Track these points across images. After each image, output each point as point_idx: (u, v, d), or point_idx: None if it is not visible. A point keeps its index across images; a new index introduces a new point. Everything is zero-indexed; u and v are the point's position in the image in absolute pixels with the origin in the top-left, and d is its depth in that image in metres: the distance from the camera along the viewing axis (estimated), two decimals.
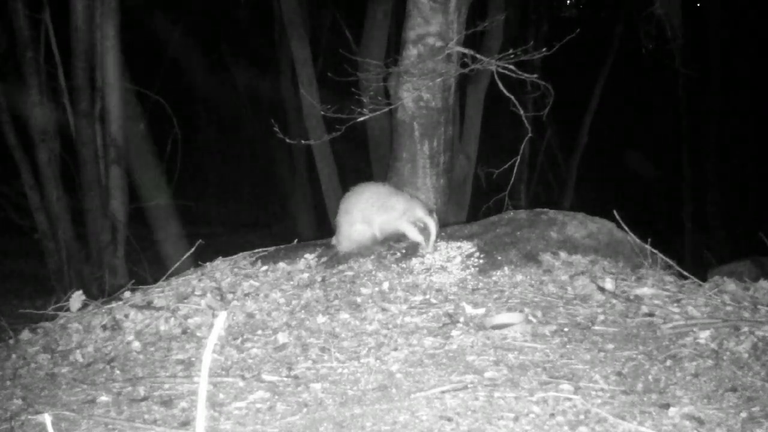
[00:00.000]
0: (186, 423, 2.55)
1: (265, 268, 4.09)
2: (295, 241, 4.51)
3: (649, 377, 2.66)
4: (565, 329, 3.11)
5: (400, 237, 4.07)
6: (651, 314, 3.24)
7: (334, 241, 4.19)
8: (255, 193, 15.04)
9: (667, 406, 2.40)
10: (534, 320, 3.20)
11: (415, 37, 4.35)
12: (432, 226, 3.92)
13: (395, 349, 3.02)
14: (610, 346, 2.94)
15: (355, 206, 4.05)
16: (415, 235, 3.96)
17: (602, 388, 2.56)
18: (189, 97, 14.18)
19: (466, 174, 7.01)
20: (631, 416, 2.34)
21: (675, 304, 3.32)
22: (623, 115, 14.37)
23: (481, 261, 3.83)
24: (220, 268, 4.17)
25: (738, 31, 13.46)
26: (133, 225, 8.11)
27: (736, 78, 13.69)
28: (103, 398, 2.82)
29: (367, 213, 4.01)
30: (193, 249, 4.40)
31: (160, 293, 3.90)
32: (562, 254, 3.85)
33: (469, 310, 3.33)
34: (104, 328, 3.63)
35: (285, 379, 2.84)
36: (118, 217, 7.36)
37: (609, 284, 3.52)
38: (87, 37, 7.18)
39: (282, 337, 3.25)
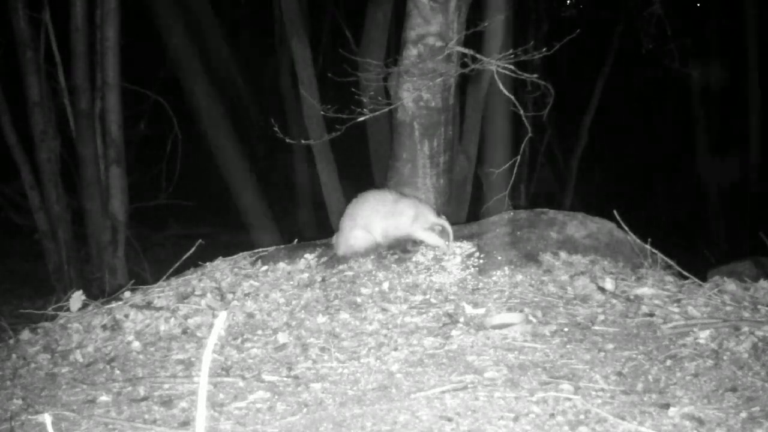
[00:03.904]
0: (186, 423, 2.55)
1: (265, 268, 4.09)
2: (295, 241, 4.50)
3: (649, 377, 2.66)
4: (565, 329, 3.12)
5: (402, 242, 4.02)
6: (651, 314, 3.24)
7: (334, 240, 4.19)
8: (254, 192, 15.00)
9: (667, 406, 2.40)
10: (534, 320, 3.20)
11: (415, 37, 4.35)
12: (449, 228, 3.90)
13: (395, 349, 3.02)
14: (610, 346, 2.94)
15: (359, 212, 4.04)
16: (434, 240, 3.92)
17: (602, 388, 2.56)
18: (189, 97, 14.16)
19: (466, 174, 7.00)
20: (631, 416, 2.34)
21: (675, 304, 3.32)
22: (623, 115, 14.36)
23: (481, 261, 3.83)
24: (220, 268, 4.17)
25: (738, 31, 13.44)
26: (133, 225, 8.11)
27: (736, 77, 13.67)
28: (103, 398, 2.82)
29: (370, 219, 3.99)
30: (193, 249, 4.39)
31: (160, 293, 3.90)
32: (562, 254, 3.85)
33: (469, 310, 3.34)
34: (104, 328, 3.63)
35: (285, 379, 2.84)
36: (118, 217, 7.36)
37: (609, 284, 3.52)
38: (87, 37, 7.18)
39: (282, 337, 3.25)
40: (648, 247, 3.87)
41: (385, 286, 3.68)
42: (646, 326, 3.14)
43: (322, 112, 5.22)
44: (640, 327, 3.13)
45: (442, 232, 3.92)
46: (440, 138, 4.50)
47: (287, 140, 5.00)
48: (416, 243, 3.99)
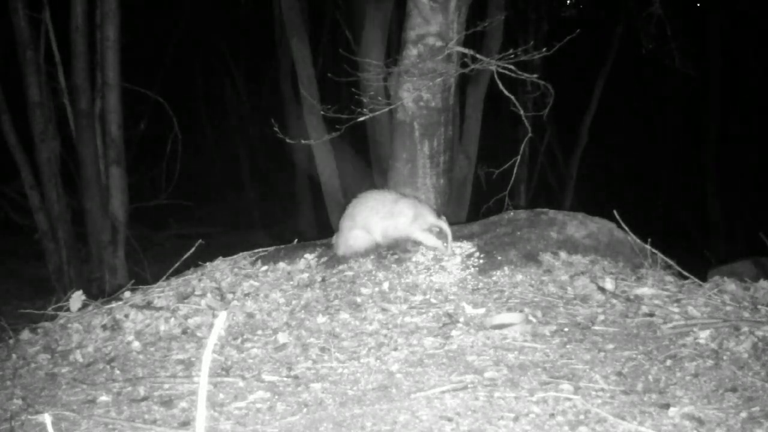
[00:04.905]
0: (186, 423, 2.55)
1: (265, 268, 4.09)
2: (295, 241, 4.50)
3: (649, 377, 2.66)
4: (565, 329, 3.11)
5: (401, 242, 4.02)
6: (651, 314, 3.24)
7: (334, 240, 4.20)
8: (255, 193, 15.04)
9: (667, 406, 2.40)
10: (534, 320, 3.20)
11: (415, 37, 4.35)
12: (447, 229, 3.89)
13: (395, 349, 3.02)
14: (610, 346, 2.94)
15: (359, 213, 4.04)
16: (432, 241, 3.91)
17: (602, 388, 2.56)
18: (189, 97, 14.20)
19: (466, 174, 7.01)
20: (631, 416, 2.34)
21: (675, 304, 3.32)
22: (623, 115, 14.37)
23: (481, 261, 3.83)
24: (220, 268, 4.17)
25: (738, 31, 13.45)
26: (133, 225, 8.11)
27: (736, 78, 13.69)
28: (103, 398, 2.82)
29: (369, 220, 3.99)
30: (193, 249, 4.40)
31: (160, 293, 3.90)
32: (562, 254, 3.85)
33: (469, 310, 3.34)
34: (104, 328, 3.63)
35: (285, 379, 2.84)
36: (118, 217, 7.36)
37: (609, 284, 3.52)
38: (87, 37, 7.19)
39: (282, 337, 3.25)
40: (648, 247, 3.87)
41: (385, 286, 3.68)
42: (646, 326, 3.13)
43: (322, 112, 5.22)
44: (640, 327, 3.13)
45: (440, 234, 3.91)
46: (440, 138, 4.50)
47: (287, 140, 5.00)
48: (416, 243, 3.99)
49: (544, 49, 4.26)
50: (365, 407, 2.51)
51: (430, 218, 3.91)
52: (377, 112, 4.52)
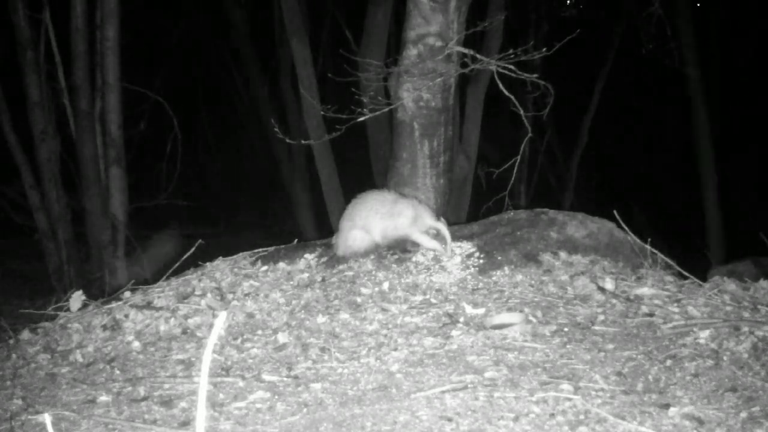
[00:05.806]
0: (186, 423, 2.55)
1: (265, 268, 4.09)
2: (295, 241, 4.50)
3: (649, 377, 2.66)
4: (565, 329, 3.12)
5: (401, 243, 4.02)
6: (651, 314, 3.24)
7: (334, 240, 4.20)
8: (255, 193, 15.04)
9: (667, 406, 2.40)
10: (534, 320, 3.20)
11: (415, 37, 4.35)
12: (445, 231, 3.90)
13: (395, 349, 3.02)
14: (610, 346, 2.94)
15: (358, 213, 4.04)
16: (430, 243, 3.92)
17: (602, 388, 2.56)
18: (189, 97, 14.19)
19: (466, 174, 7.01)
20: (631, 416, 2.34)
21: (675, 304, 3.32)
22: (623, 115, 14.36)
23: (481, 261, 3.83)
24: (220, 268, 4.17)
25: (738, 31, 13.45)
26: (133, 225, 8.12)
27: (736, 77, 13.68)
28: (103, 398, 2.82)
29: (369, 220, 3.99)
30: (193, 249, 4.39)
31: (160, 293, 3.90)
32: (562, 254, 3.85)
33: (469, 310, 3.34)
34: (104, 328, 3.63)
35: (285, 379, 2.84)
36: (118, 217, 7.37)
37: (609, 284, 3.52)
38: (87, 38, 7.19)
39: (282, 337, 3.25)
40: (648, 247, 3.87)
41: (385, 286, 3.68)
42: (646, 326, 3.14)
43: (322, 112, 5.23)
44: (640, 327, 3.13)
45: (437, 236, 3.90)
46: (440, 138, 4.50)
47: (287, 140, 5.00)
48: (416, 243, 3.99)
49: (544, 49, 4.26)
50: (365, 407, 2.51)
51: (428, 220, 3.91)
52: (377, 112, 4.52)
